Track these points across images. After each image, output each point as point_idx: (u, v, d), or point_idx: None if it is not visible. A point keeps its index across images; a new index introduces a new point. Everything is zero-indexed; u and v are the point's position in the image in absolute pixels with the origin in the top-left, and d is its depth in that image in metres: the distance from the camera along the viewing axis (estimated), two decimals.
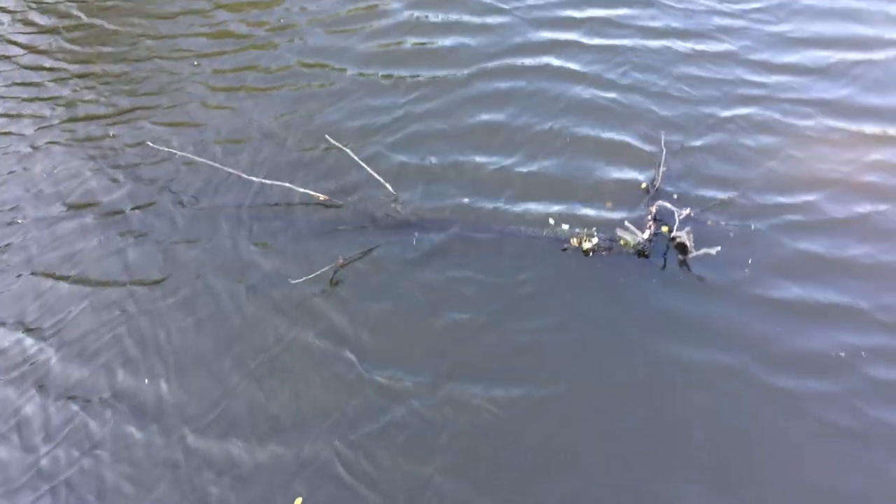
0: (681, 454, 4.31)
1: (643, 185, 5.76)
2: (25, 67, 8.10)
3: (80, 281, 5.73)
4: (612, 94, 6.61)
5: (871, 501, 4.09)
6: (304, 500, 4.35)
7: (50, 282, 5.76)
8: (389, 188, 5.89)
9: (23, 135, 7.21)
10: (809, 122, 6.19)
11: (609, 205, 5.68)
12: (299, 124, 6.78)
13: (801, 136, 6.06)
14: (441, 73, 7.10)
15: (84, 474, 4.61)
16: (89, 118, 7.27)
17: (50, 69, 8.01)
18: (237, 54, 7.83)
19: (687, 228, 5.21)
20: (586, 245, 5.26)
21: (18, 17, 8.96)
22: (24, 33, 8.67)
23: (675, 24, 7.37)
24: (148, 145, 6.68)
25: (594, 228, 5.39)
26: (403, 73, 7.16)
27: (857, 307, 4.89)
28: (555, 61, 7.05)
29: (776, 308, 4.92)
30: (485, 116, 6.56)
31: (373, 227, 5.77)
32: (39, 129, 7.24)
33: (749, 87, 6.58)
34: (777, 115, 6.27)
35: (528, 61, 7.10)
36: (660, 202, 5.44)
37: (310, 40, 7.82)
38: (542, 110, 6.53)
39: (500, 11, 7.80)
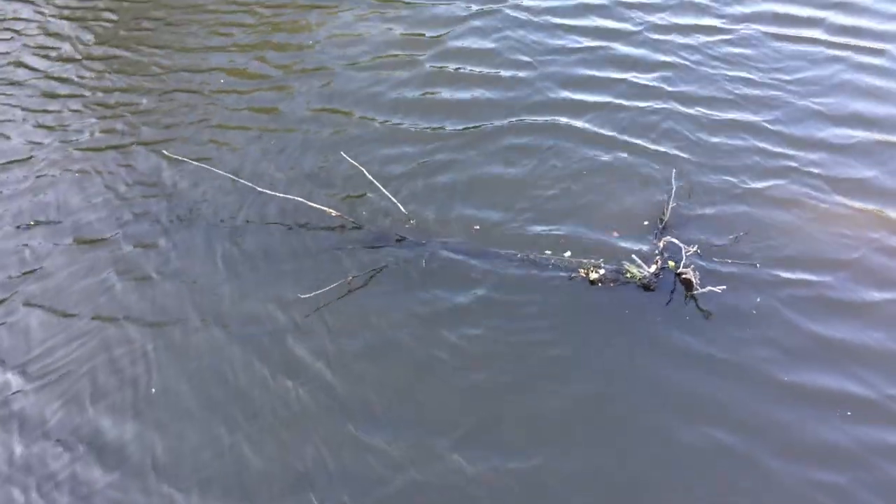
0: None
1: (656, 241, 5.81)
2: (44, 95, 8.10)
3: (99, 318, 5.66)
4: (633, 157, 6.55)
5: None
6: None
7: (48, 315, 5.69)
8: (402, 208, 6.04)
9: (37, 161, 7.17)
10: (833, 198, 6.06)
11: (615, 234, 5.87)
12: (331, 166, 6.75)
13: (823, 212, 5.94)
14: (468, 125, 7.06)
15: None
16: (104, 148, 7.26)
17: (68, 96, 8.04)
18: (258, 93, 7.80)
19: (692, 265, 5.36)
20: (593, 276, 5.42)
21: (37, 42, 8.98)
22: (43, 57, 8.69)
23: (702, 92, 7.27)
24: (149, 181, 6.69)
25: (601, 259, 5.54)
26: (430, 123, 7.13)
27: (868, 397, 4.73)
28: (577, 122, 7.00)
29: (781, 390, 4.78)
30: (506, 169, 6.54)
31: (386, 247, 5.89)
32: (54, 157, 7.21)
33: (775, 158, 6.46)
34: (800, 189, 6.15)
35: (552, 119, 7.06)
36: (667, 238, 5.60)
37: (337, 85, 7.76)
38: (562, 167, 6.50)
39: (529, 66, 7.78)
